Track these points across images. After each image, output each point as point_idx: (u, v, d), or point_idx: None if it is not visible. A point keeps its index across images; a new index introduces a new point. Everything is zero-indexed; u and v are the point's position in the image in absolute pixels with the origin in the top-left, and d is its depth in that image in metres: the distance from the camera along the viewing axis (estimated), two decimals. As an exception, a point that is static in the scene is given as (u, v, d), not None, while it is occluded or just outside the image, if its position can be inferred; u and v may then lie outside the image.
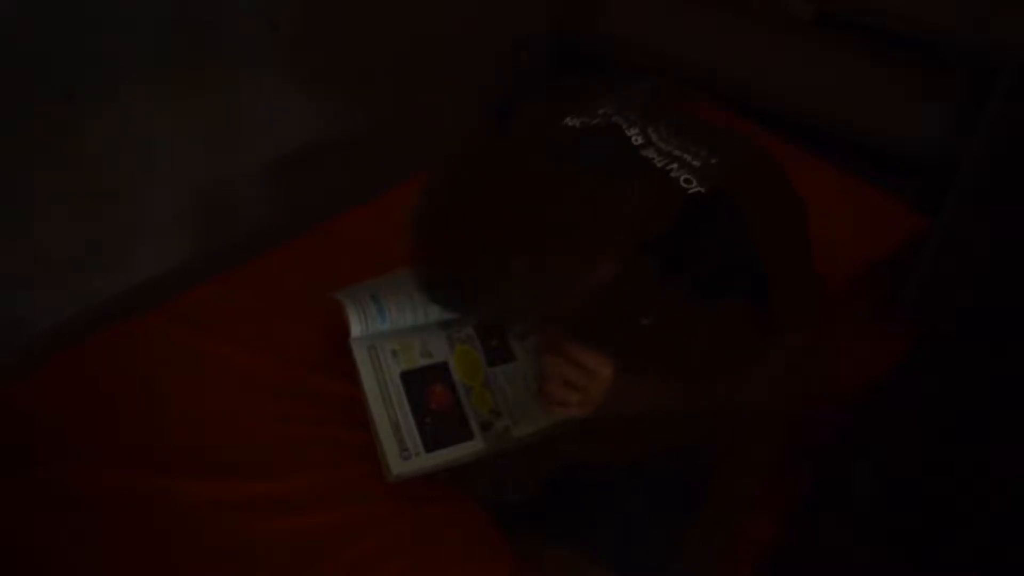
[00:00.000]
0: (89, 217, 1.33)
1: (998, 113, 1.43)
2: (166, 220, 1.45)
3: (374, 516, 1.06)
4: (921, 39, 1.59)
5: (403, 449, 0.98)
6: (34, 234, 1.28)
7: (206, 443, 1.12)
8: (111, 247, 1.38)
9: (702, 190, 0.88)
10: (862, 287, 1.42)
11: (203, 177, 1.49)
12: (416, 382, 1.02)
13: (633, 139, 0.95)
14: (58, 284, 1.33)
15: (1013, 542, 1.30)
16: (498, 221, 0.77)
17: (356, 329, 1.01)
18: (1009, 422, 1.44)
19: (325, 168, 1.66)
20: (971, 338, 1.52)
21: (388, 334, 1.03)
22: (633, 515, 1.00)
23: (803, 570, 1.25)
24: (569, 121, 0.97)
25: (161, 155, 1.39)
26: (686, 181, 0.89)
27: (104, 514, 1.03)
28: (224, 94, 1.44)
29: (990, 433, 1.45)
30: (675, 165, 0.91)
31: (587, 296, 0.86)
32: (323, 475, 1.09)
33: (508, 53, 2.00)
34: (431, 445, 0.99)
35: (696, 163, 0.91)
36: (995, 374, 1.48)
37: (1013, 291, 1.51)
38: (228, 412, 1.16)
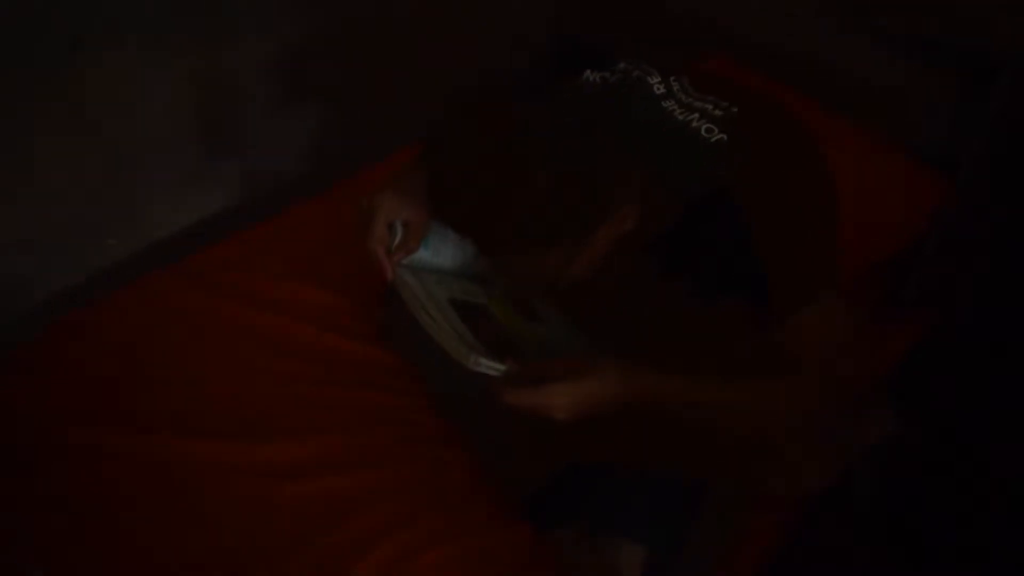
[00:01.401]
0: (95, 175, 1.31)
1: (998, 113, 1.42)
2: (176, 178, 1.43)
3: (393, 480, 1.05)
4: (921, 39, 1.59)
5: (471, 352, 0.90)
6: (38, 193, 1.25)
7: (220, 406, 1.11)
8: (119, 206, 1.36)
9: (724, 137, 0.89)
10: (862, 287, 1.42)
11: (214, 135, 1.47)
12: (461, 309, 0.99)
13: (655, 88, 0.96)
14: (64, 244, 1.31)
15: (1013, 542, 1.30)
16: (505, 174, 0.78)
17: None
18: (1009, 422, 1.44)
19: (334, 131, 1.65)
20: (971, 338, 1.52)
21: (428, 269, 1.02)
22: (643, 492, 1.00)
23: (803, 570, 1.25)
24: (589, 75, 0.98)
25: (170, 110, 1.37)
26: (708, 131, 0.91)
27: (115, 475, 1.03)
28: (238, 50, 1.42)
29: (990, 433, 1.45)
30: (696, 115, 0.92)
31: (591, 260, 0.87)
32: (340, 439, 1.09)
33: (508, 53, 2.00)
34: (495, 356, 0.92)
35: (718, 112, 0.92)
36: (995, 374, 1.48)
37: (1013, 291, 1.51)
38: (242, 375, 1.16)
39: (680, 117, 0.92)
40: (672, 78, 0.97)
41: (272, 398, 1.13)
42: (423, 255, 1.02)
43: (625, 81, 0.97)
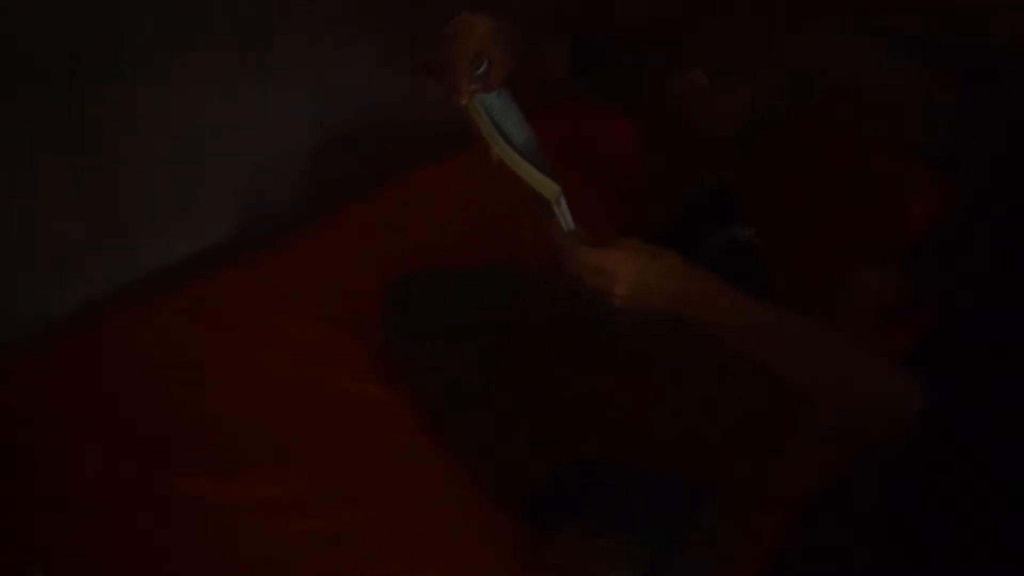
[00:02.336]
0: (92, 204, 1.30)
1: (998, 113, 1.42)
2: (173, 209, 1.43)
3: (390, 510, 1.05)
4: (921, 39, 1.59)
5: (557, 186, 0.84)
6: (36, 221, 1.25)
7: (213, 440, 1.11)
8: (115, 236, 1.35)
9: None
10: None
11: (212, 165, 1.46)
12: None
13: None
14: (61, 273, 1.31)
15: (1013, 542, 1.30)
16: None
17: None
18: (1009, 422, 1.44)
19: (333, 157, 1.65)
20: (971, 338, 1.52)
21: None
22: (643, 492, 1.00)
23: (803, 570, 1.25)
24: None
25: (169, 140, 1.36)
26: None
27: (106, 512, 1.02)
28: (235, 79, 1.42)
29: (990, 433, 1.45)
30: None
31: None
32: (332, 470, 1.09)
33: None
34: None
35: None
36: (995, 374, 1.48)
37: (1013, 291, 1.51)
38: (236, 407, 1.15)
39: None
40: None
41: (267, 432, 1.13)
42: (494, 103, 0.93)
43: None
